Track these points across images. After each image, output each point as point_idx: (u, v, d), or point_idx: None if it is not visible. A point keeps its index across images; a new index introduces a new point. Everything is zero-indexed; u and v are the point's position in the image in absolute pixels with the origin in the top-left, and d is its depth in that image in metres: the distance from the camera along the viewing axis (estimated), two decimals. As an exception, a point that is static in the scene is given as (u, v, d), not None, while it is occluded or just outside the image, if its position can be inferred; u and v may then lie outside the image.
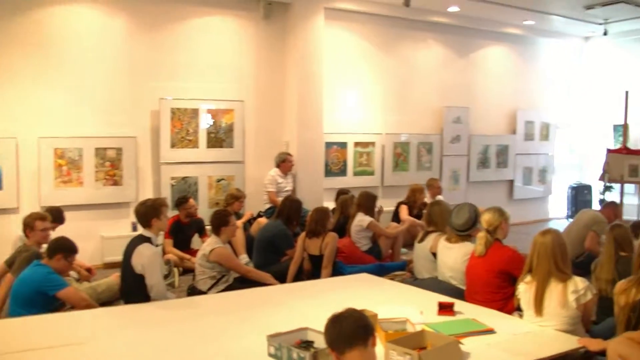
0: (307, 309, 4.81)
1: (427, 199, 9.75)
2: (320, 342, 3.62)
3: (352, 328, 2.91)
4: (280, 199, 8.27)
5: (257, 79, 9.72)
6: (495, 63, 12.75)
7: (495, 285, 5.19)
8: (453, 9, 11.07)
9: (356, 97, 10.81)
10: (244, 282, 6.17)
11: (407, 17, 11.00)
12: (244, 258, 7.80)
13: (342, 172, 10.61)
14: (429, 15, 11.23)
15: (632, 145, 11.60)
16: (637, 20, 12.10)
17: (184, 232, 8.27)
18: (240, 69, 9.56)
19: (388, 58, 11.11)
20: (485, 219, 5.40)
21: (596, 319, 5.04)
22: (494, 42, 12.64)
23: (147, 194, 8.63)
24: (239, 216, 8.39)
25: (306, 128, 9.71)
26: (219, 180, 9.39)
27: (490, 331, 4.21)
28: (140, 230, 5.51)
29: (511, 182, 13.10)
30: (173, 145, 8.93)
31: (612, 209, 8.47)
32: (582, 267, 7.23)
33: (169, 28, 8.99)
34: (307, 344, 3.75)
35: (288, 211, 7.41)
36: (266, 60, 9.78)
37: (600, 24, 12.29)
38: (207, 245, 6.19)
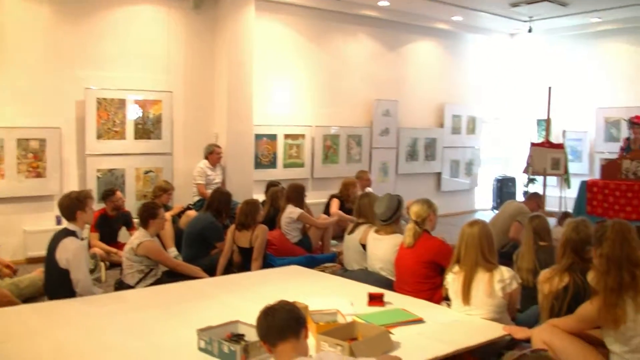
0: (238, 302, 4.78)
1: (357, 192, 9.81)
2: (251, 335, 3.60)
3: (284, 320, 2.90)
4: (209, 191, 8.19)
5: (186, 70, 9.58)
6: (423, 57, 12.93)
7: (424, 276, 5.27)
8: (383, 3, 11.15)
9: (286, 90, 10.78)
10: (172, 275, 6.09)
11: (338, 10, 11.03)
12: (172, 251, 7.69)
13: (272, 164, 10.57)
14: (359, 8, 11.29)
15: (554, 139, 11.99)
16: (561, 19, 12.48)
17: (110, 226, 8.09)
18: (168, 60, 9.40)
19: (319, 51, 11.12)
20: (414, 210, 5.48)
21: (520, 307, 5.19)
22: (423, 37, 12.81)
23: (72, 186, 8.38)
24: (167, 209, 8.26)
25: (236, 120, 9.62)
26: (146, 172, 9.22)
27: (419, 321, 4.27)
28: (65, 223, 5.37)
29: (439, 174, 13.32)
30: (99, 137, 8.71)
31: (535, 200, 8.75)
32: (508, 256, 7.43)
33: (95, 16, 8.75)
34: (237, 337, 3.72)
35: (217, 203, 7.33)
36: (196, 51, 9.64)
37: (526, 21, 12.62)
38: (134, 238, 6.07)
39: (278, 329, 2.90)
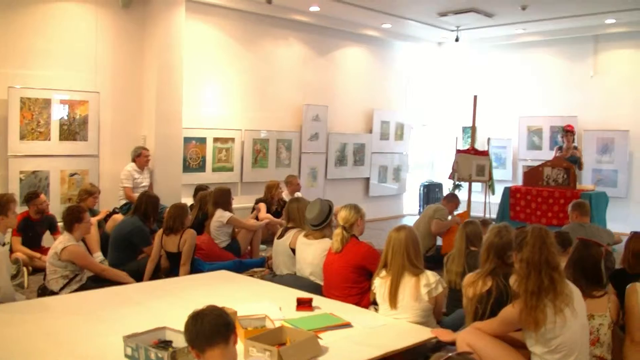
0: (165, 308, 4.73)
1: (286, 196, 9.84)
2: (178, 342, 3.57)
3: (213, 326, 2.89)
4: (136, 195, 8.07)
5: (114, 70, 9.40)
6: (353, 63, 13.06)
7: (352, 280, 5.33)
8: (314, 8, 11.21)
9: (216, 92, 10.71)
10: (98, 281, 5.99)
11: (269, 14, 11.03)
12: (98, 256, 7.54)
13: (201, 167, 10.48)
14: (290, 13, 11.32)
15: (479, 146, 12.28)
16: (487, 29, 12.82)
17: (34, 229, 7.84)
18: (96, 59, 9.19)
19: (249, 54, 11.10)
20: (342, 216, 5.54)
21: (447, 310, 5.31)
22: (353, 43, 12.94)
23: (-7, 188, 8.13)
24: (93, 212, 8.09)
25: (164, 122, 9.51)
26: (72, 175, 9.00)
27: (347, 325, 4.32)
28: (-15, 227, 5.20)
29: (367, 179, 13.46)
30: (22, 137, 8.44)
31: (454, 202, 9.12)
32: (433, 260, 7.64)
33: (20, 11, 8.46)
34: (165, 344, 3.69)
35: (145, 207, 7.22)
36: (124, 51, 9.47)
37: (453, 30, 12.89)
38: (59, 243, 5.94)
39: (207, 335, 2.88)
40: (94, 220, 7.60)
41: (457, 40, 12.93)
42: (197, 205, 8.47)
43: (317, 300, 4.91)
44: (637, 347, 3.96)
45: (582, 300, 3.75)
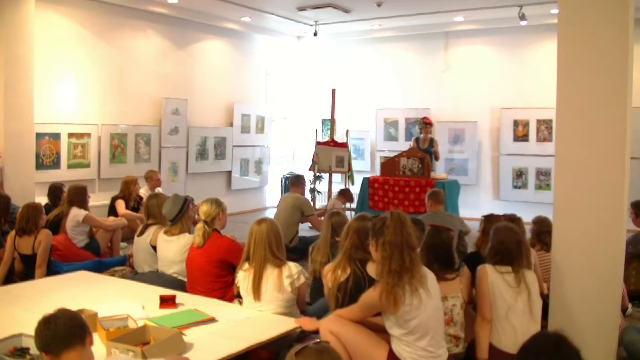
0: (21, 314, 4.52)
1: (147, 191, 9.66)
2: (36, 348, 3.44)
3: (70, 327, 2.85)
4: (-15, 195, 7.65)
5: (-44, 63, 8.84)
6: (213, 56, 12.98)
7: (215, 275, 5.34)
8: (172, 0, 11.03)
9: (71, 86, 10.28)
10: (-56, 287, 5.64)
11: (125, 4, 10.72)
12: (-57, 261, 7.09)
13: (55, 164, 10.03)
14: (148, 4, 11.06)
15: (338, 138, 12.60)
16: (344, 24, 13.13)
17: None
18: None
19: (106, 46, 10.74)
20: (203, 210, 5.54)
21: (311, 299, 5.43)
22: (213, 36, 12.85)
23: None
24: (-64, 215, 7.59)
25: (14, 117, 9.01)
26: None
27: (211, 320, 4.33)
28: None
29: (229, 173, 13.43)
30: None
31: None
32: (295, 252, 7.77)
33: None
34: (21, 351, 3.55)
35: (-5, 208, 6.89)
36: (-34, 43, 8.91)
37: (311, 25, 13.10)
38: None
39: (62, 337, 2.82)
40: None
41: (315, 34, 13.16)
42: (64, 204, 8.13)
43: (180, 296, 4.88)
44: (487, 324, 4.23)
45: (435, 282, 3.95)
